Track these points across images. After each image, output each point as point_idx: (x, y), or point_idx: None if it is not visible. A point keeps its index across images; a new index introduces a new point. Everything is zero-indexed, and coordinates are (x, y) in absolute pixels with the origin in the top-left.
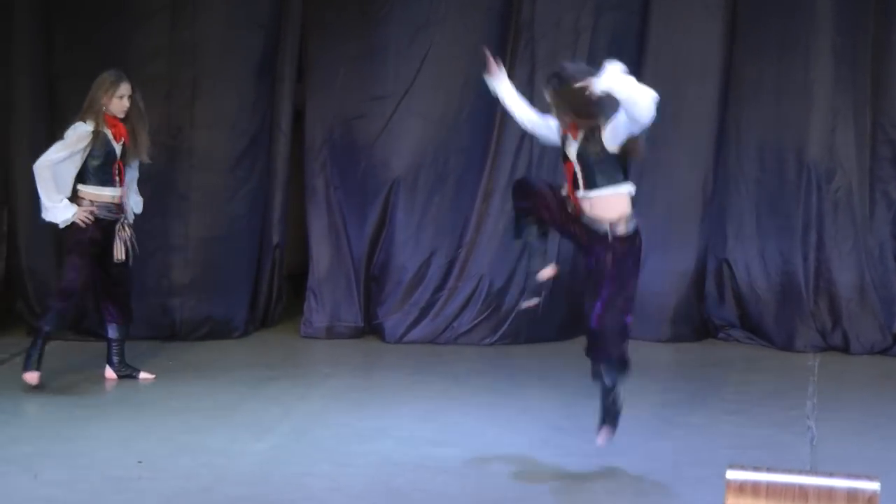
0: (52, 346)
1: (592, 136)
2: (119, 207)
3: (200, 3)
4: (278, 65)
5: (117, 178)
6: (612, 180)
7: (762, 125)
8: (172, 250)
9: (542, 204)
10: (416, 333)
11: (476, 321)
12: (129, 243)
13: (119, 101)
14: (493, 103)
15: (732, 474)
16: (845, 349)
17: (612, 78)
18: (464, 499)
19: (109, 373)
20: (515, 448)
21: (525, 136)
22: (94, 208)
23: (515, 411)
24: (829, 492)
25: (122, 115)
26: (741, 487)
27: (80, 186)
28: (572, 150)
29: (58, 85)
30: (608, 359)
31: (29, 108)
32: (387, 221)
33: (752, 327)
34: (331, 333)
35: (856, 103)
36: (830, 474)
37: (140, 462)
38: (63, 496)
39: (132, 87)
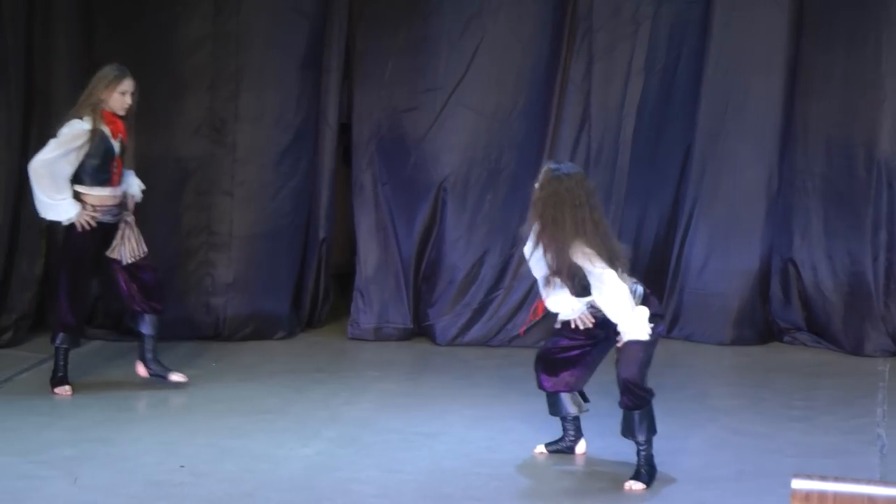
0: (93, 347)
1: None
2: (120, 207)
3: None
4: (324, 56)
5: (116, 178)
6: (590, 292)
7: (830, 120)
8: (215, 248)
9: (567, 368)
10: (467, 335)
11: (531, 323)
12: (134, 244)
13: (121, 98)
14: (548, 96)
15: (798, 484)
16: None
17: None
18: None
19: (141, 369)
20: (570, 454)
21: (583, 131)
22: (96, 213)
23: None
24: None
25: (122, 113)
26: (807, 498)
27: (77, 187)
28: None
29: None
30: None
31: (69, 101)
32: (437, 219)
33: (818, 330)
34: (379, 335)
35: None
36: None
37: (182, 466)
38: (104, 501)
39: (135, 86)
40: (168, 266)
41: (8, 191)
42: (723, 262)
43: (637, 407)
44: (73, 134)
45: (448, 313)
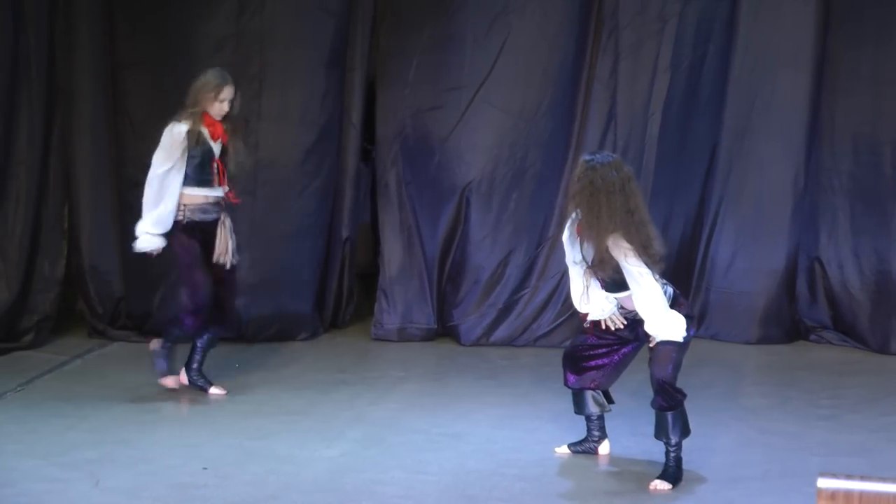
0: (115, 349)
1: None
2: (219, 206)
3: None
4: (349, 55)
5: (216, 178)
6: (624, 287)
7: (857, 117)
8: (239, 248)
9: (593, 366)
10: (493, 336)
11: (556, 322)
12: (229, 245)
13: (220, 105)
14: (574, 94)
15: (824, 482)
16: None
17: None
18: None
19: (183, 377)
20: (593, 454)
21: (609, 129)
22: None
23: None
24: None
25: (218, 118)
26: (833, 496)
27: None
28: (587, 256)
29: (121, 74)
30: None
31: (90, 100)
32: (462, 219)
33: (845, 329)
34: (403, 335)
35: None
36: None
37: (205, 468)
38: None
39: (234, 90)
40: None
41: (30, 190)
42: (749, 260)
43: (671, 408)
44: (173, 139)
45: (473, 313)
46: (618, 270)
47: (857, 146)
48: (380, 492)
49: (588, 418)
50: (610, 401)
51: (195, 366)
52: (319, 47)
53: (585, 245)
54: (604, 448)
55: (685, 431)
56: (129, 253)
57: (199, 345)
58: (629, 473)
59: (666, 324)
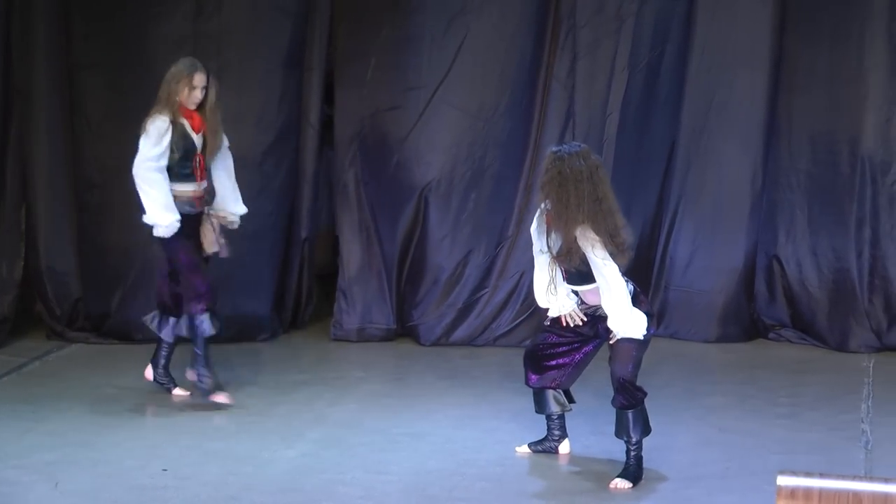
0: (73, 350)
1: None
2: (200, 201)
3: None
4: (307, 55)
5: (197, 173)
6: (588, 280)
7: (814, 116)
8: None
9: (554, 366)
10: (452, 335)
11: (516, 322)
12: (217, 235)
13: (193, 93)
14: (532, 93)
15: (783, 480)
16: None
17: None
18: None
19: (148, 373)
20: (554, 454)
21: (567, 129)
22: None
23: None
24: (885, 498)
25: (192, 107)
26: (793, 494)
27: None
28: (553, 245)
29: (77, 75)
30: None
31: (47, 100)
32: (421, 219)
33: (803, 327)
34: (362, 336)
35: None
36: (886, 480)
37: (165, 470)
38: None
39: (207, 76)
40: (149, 267)
41: None
42: (708, 259)
43: (632, 406)
44: (158, 129)
45: (433, 313)
46: (584, 262)
47: (814, 145)
48: (340, 492)
49: (549, 417)
50: (571, 400)
51: (163, 362)
52: (277, 48)
53: (553, 235)
54: (564, 447)
55: (646, 430)
56: (86, 254)
57: (165, 343)
58: (590, 472)
59: (629, 321)
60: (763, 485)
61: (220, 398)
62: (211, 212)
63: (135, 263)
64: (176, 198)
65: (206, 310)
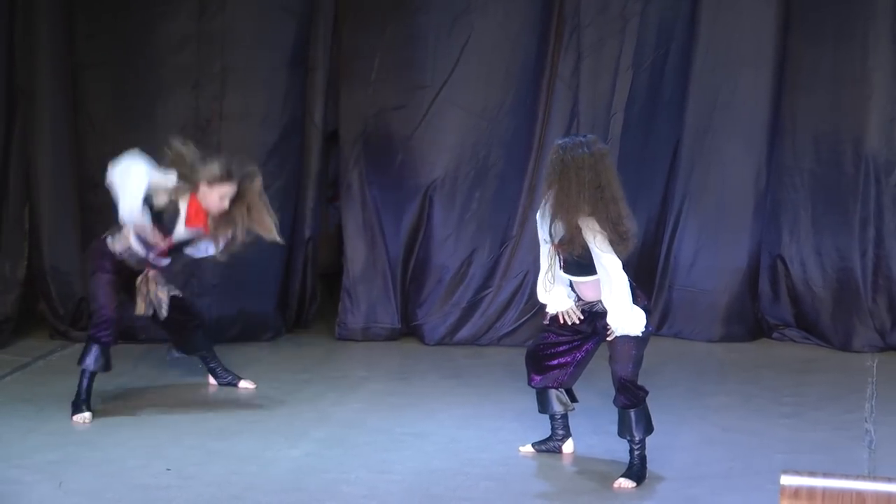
0: (77, 350)
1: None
2: (148, 266)
3: None
4: (311, 54)
5: (161, 251)
6: (586, 271)
7: (818, 115)
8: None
9: (556, 365)
10: (457, 335)
11: (520, 321)
12: (153, 299)
13: (218, 201)
14: (536, 93)
15: (787, 480)
16: None
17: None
18: None
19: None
20: (558, 453)
21: (571, 128)
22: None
23: None
24: (888, 497)
25: (214, 212)
26: (796, 493)
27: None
28: (556, 233)
29: (81, 75)
30: (639, 406)
31: (51, 100)
32: (425, 218)
33: (807, 326)
34: (367, 335)
35: None
36: (889, 479)
37: (169, 469)
38: None
39: (246, 190)
40: None
41: None
42: (712, 259)
43: (634, 405)
44: (164, 177)
45: (437, 313)
46: (585, 252)
47: (818, 144)
48: (344, 492)
49: (552, 417)
50: (573, 399)
51: (218, 368)
52: (281, 47)
53: (556, 223)
54: (568, 447)
55: (648, 429)
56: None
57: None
58: (593, 472)
59: (628, 317)
60: (766, 484)
61: (79, 419)
62: (151, 276)
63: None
64: (125, 245)
65: (104, 343)
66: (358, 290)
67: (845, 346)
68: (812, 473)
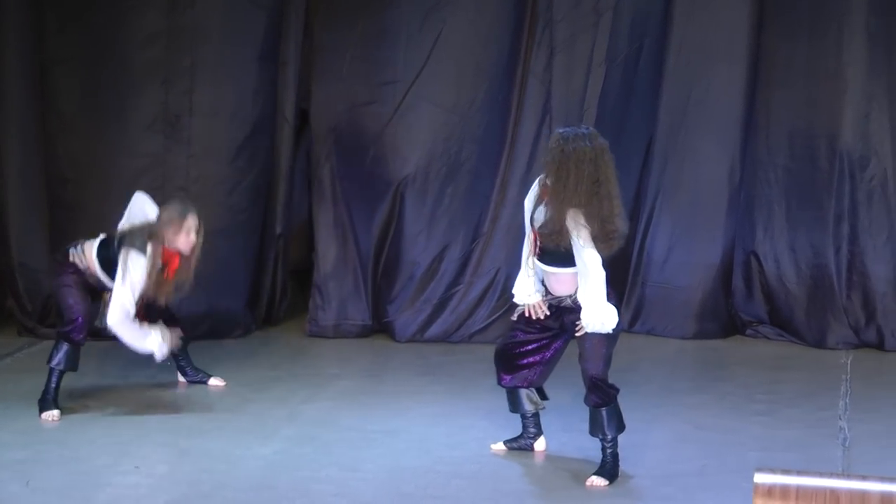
0: (45, 347)
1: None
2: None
3: None
4: (282, 49)
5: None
6: (564, 262)
7: (792, 111)
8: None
9: (525, 364)
10: (428, 332)
11: (491, 318)
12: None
13: (186, 238)
14: (509, 88)
15: (760, 478)
16: (880, 346)
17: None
18: None
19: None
20: (529, 451)
21: (544, 124)
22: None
23: None
24: (862, 495)
25: (188, 252)
26: (770, 491)
27: (85, 247)
28: (538, 218)
29: (49, 71)
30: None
31: (19, 96)
32: (396, 214)
33: (781, 323)
34: (338, 332)
35: (891, 88)
36: (863, 477)
37: (138, 468)
38: None
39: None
40: None
41: None
42: (685, 255)
43: (605, 404)
44: (139, 274)
45: (408, 309)
46: (568, 244)
47: (792, 140)
48: (314, 490)
49: (524, 416)
50: (544, 397)
51: (188, 367)
52: (251, 42)
53: (544, 209)
54: (540, 444)
55: (620, 426)
56: (58, 250)
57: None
58: (565, 470)
59: (601, 314)
60: (740, 482)
61: (47, 417)
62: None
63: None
64: (88, 270)
65: (74, 341)
66: (329, 286)
67: (819, 343)
68: (786, 471)
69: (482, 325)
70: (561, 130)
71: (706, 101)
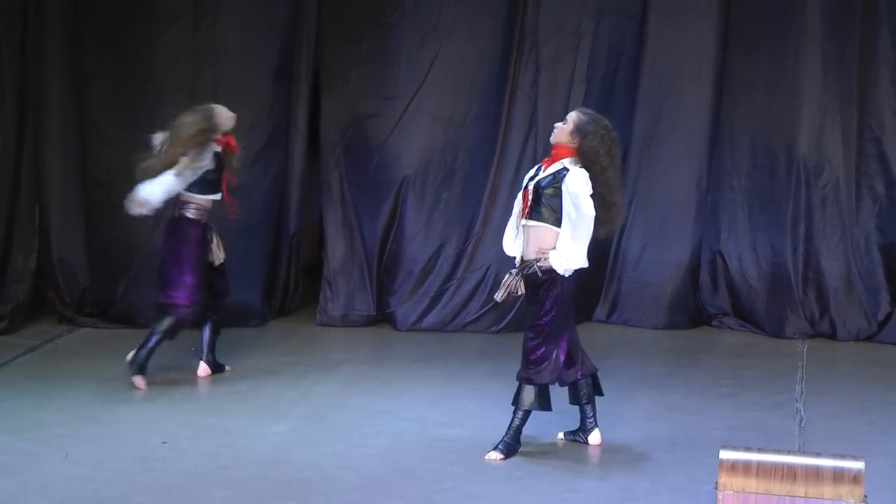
0: (82, 334)
1: (557, 176)
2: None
3: (221, 8)
4: (295, 67)
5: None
6: (550, 219)
7: (754, 124)
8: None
9: (551, 361)
10: (425, 321)
11: (483, 310)
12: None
13: (230, 120)
14: (498, 103)
15: (725, 454)
16: (832, 336)
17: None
18: (471, 478)
19: (203, 370)
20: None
21: (530, 135)
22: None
23: None
24: (817, 471)
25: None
26: (733, 467)
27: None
28: (534, 180)
29: (87, 86)
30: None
31: (60, 109)
32: (398, 215)
33: (744, 315)
34: (345, 322)
35: (842, 103)
36: (818, 454)
37: (164, 443)
38: (92, 474)
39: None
40: (150, 259)
41: (3, 189)
42: (657, 253)
43: (529, 382)
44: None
45: (407, 301)
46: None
47: (754, 151)
48: (323, 464)
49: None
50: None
51: (209, 356)
52: (267, 60)
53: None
54: (594, 437)
55: (536, 405)
56: (93, 247)
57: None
58: (550, 445)
59: (570, 253)
60: (707, 458)
61: (138, 382)
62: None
63: (137, 256)
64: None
65: (181, 316)
66: (337, 280)
67: (778, 334)
68: (748, 449)
69: (475, 316)
70: (584, 111)
71: (676, 115)
